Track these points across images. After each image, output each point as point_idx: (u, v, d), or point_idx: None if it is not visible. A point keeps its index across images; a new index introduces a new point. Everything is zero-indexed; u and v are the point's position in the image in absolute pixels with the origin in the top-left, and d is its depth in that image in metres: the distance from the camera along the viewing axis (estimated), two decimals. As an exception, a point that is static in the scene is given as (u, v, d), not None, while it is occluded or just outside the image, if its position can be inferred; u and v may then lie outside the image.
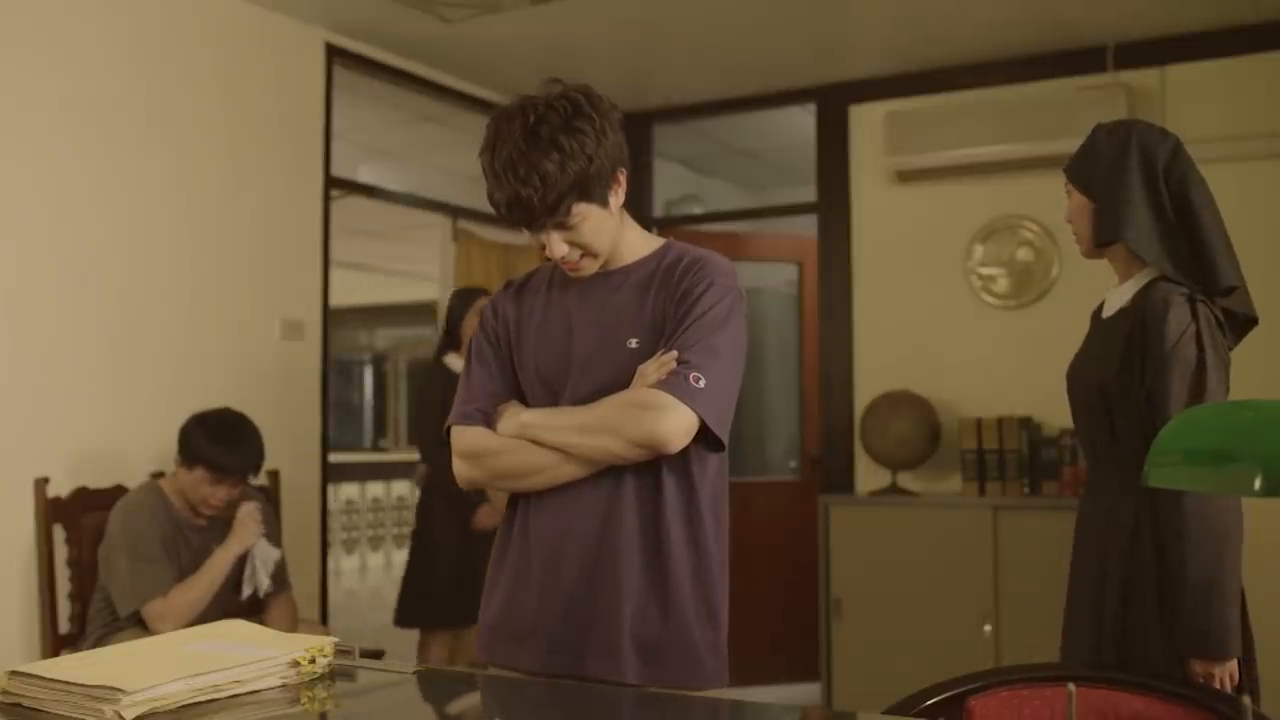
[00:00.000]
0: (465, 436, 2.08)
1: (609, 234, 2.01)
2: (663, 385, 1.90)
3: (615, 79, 5.25)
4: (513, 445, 2.02)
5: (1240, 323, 2.58)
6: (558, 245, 1.97)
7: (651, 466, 1.97)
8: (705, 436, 1.93)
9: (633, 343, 2.01)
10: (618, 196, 2.00)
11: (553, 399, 2.05)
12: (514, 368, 2.13)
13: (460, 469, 2.10)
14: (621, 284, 2.06)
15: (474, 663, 2.16)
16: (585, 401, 2.00)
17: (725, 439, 1.96)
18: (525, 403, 2.10)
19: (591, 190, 1.93)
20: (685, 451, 1.94)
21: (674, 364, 1.92)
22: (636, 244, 2.09)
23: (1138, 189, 2.43)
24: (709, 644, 2.01)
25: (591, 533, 1.99)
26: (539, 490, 2.03)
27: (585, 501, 2.00)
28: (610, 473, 1.98)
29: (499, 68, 5.11)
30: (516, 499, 2.11)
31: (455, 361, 4.58)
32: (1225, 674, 2.22)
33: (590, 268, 2.04)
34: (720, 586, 2.05)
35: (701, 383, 1.90)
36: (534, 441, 2.00)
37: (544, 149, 1.88)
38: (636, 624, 1.96)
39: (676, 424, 1.88)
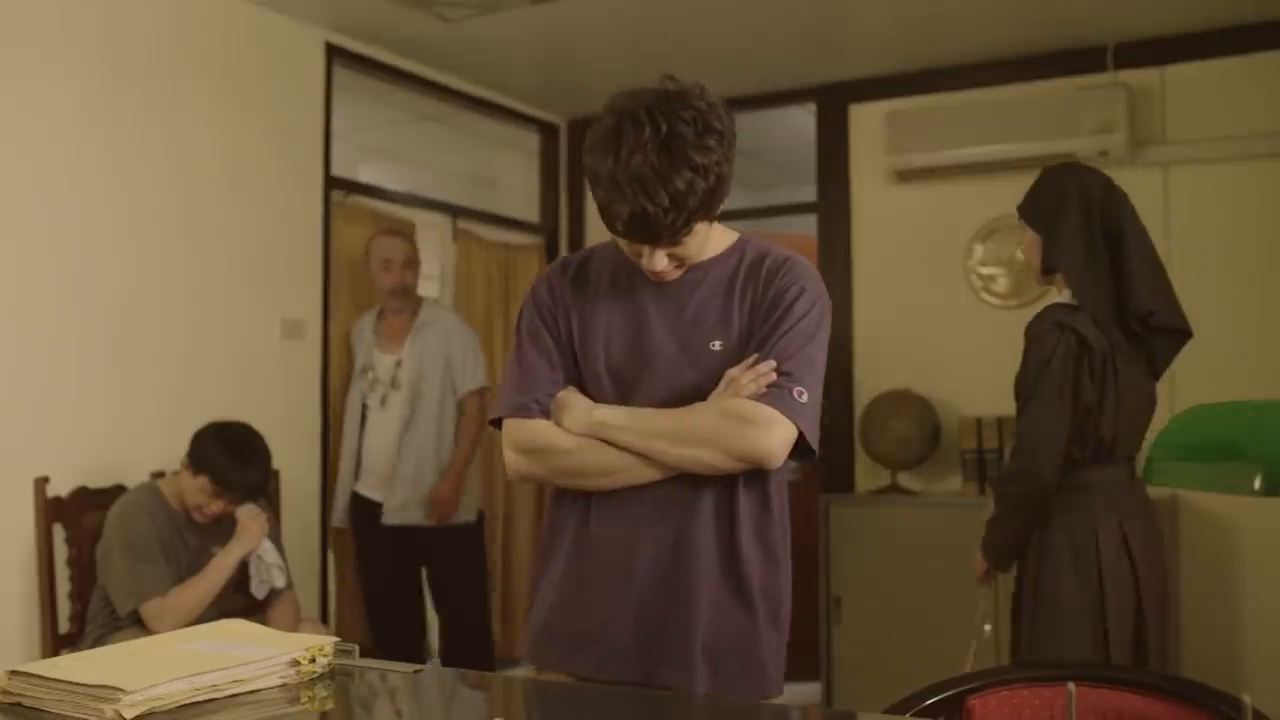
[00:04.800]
0: (526, 430, 1.98)
1: (703, 242, 1.94)
2: (766, 399, 1.86)
3: (615, 78, 5.18)
4: (586, 445, 1.93)
5: (1175, 337, 2.98)
6: (661, 260, 1.89)
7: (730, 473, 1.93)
8: (798, 448, 1.90)
9: (716, 345, 1.95)
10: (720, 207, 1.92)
11: (623, 397, 1.97)
12: (573, 355, 2.04)
13: (517, 463, 2.00)
14: (700, 281, 1.99)
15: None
16: (663, 404, 1.94)
17: (817, 451, 1.93)
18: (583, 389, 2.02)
19: (713, 207, 1.85)
20: None
21: (773, 375, 1.87)
22: (715, 240, 2.01)
23: (1074, 225, 2.88)
24: (773, 650, 2.00)
25: (666, 536, 1.94)
26: (604, 490, 1.97)
27: (659, 504, 1.94)
28: (687, 476, 1.93)
29: (499, 67, 5.11)
30: (569, 494, 2.03)
31: None
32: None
33: (677, 275, 1.96)
34: (787, 592, 2.04)
35: (804, 397, 1.88)
36: (608, 442, 1.92)
37: (678, 166, 1.77)
38: (710, 633, 1.93)
39: (781, 439, 1.86)
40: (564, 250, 5.97)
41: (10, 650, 3.46)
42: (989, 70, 5.00)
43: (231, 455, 3.38)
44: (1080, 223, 2.88)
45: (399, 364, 4.51)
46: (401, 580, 4.60)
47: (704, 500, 1.94)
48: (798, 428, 1.86)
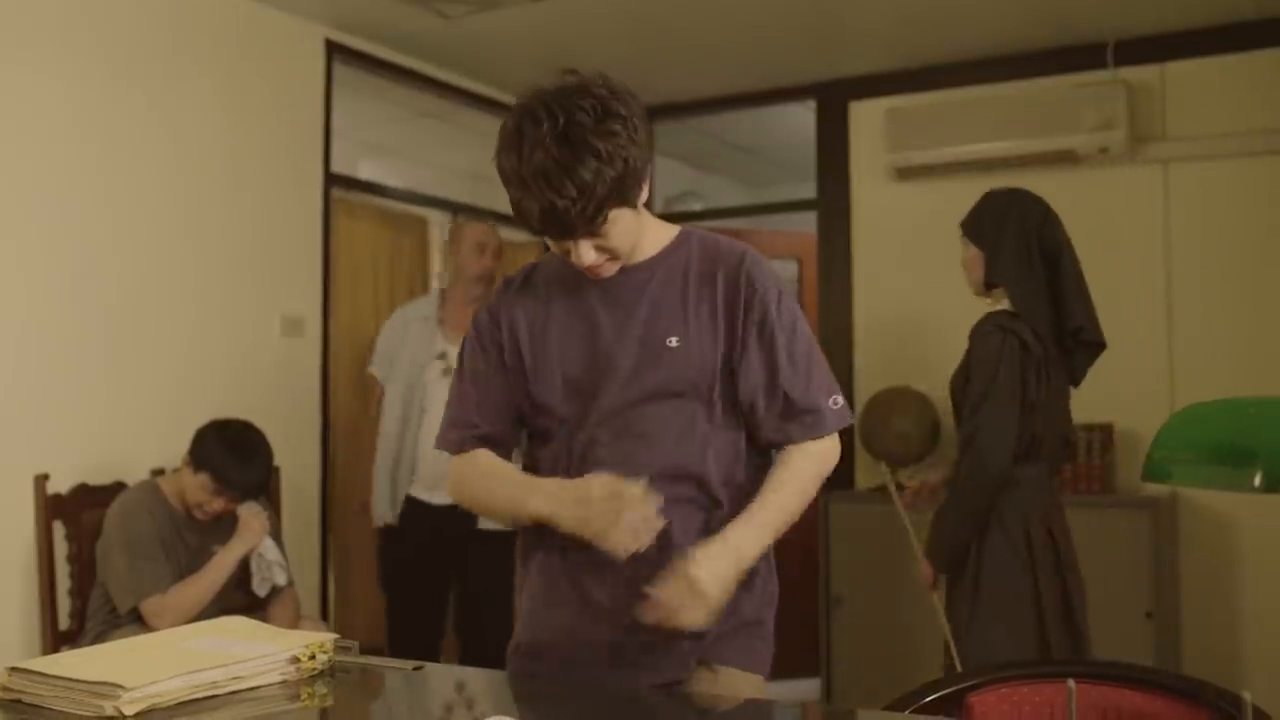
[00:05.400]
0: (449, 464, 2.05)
1: (634, 233, 1.91)
2: (820, 427, 1.96)
3: (614, 74, 5.21)
4: (471, 481, 2.04)
5: (1094, 350, 3.26)
6: (587, 253, 1.86)
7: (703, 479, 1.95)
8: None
9: (672, 341, 1.93)
10: (643, 194, 1.89)
11: (583, 407, 1.95)
12: (523, 374, 2.01)
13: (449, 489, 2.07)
14: (648, 280, 1.97)
15: None
16: (631, 408, 1.93)
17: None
18: (540, 410, 2.00)
19: (626, 194, 1.81)
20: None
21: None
22: (656, 236, 2.00)
23: (1014, 245, 3.17)
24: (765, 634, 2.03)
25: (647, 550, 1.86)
26: None
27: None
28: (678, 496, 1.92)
29: (498, 64, 5.11)
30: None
31: None
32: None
33: (613, 269, 1.93)
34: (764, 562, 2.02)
35: (839, 401, 1.99)
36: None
37: (579, 155, 1.74)
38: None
39: (838, 452, 2.02)
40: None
41: (10, 647, 3.46)
42: (989, 67, 5.00)
43: (232, 453, 3.38)
44: (1020, 243, 3.17)
45: None
46: (434, 590, 4.36)
47: (688, 513, 1.95)
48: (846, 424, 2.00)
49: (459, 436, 2.04)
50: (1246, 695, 1.38)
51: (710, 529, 1.92)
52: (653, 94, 5.62)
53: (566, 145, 1.74)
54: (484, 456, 2.03)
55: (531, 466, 2.05)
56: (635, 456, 1.91)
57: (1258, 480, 1.59)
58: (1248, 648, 4.47)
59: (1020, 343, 3.08)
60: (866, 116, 5.30)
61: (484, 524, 4.15)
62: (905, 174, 5.13)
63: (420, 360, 4.26)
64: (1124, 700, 1.88)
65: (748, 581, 1.94)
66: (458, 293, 4.40)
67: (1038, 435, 3.13)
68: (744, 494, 1.96)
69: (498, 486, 2.00)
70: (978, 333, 3.17)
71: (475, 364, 2.05)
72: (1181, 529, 4.56)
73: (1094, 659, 2.79)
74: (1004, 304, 3.21)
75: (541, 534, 1.97)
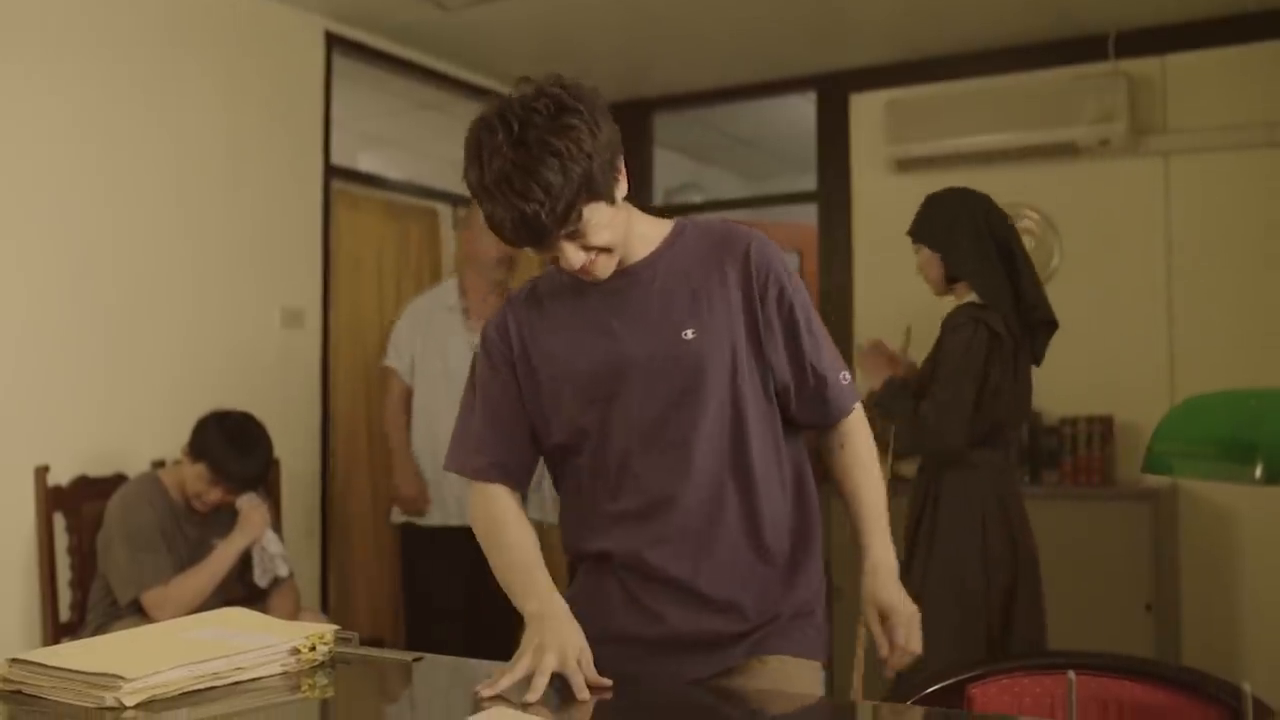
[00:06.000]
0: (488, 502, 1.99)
1: (620, 229, 1.85)
2: (847, 397, 1.99)
3: (614, 67, 5.23)
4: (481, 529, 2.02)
5: (1049, 329, 3.41)
6: (574, 255, 1.81)
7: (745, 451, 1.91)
8: None
9: (688, 334, 1.88)
10: (621, 187, 1.84)
11: (604, 415, 1.90)
12: (534, 390, 1.97)
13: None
14: (653, 276, 1.93)
15: None
16: (659, 415, 1.88)
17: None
18: (559, 424, 1.95)
19: (597, 188, 1.75)
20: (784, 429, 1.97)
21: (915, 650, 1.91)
22: (649, 232, 1.97)
23: (970, 240, 3.32)
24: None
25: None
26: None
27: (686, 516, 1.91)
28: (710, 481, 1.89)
29: (498, 55, 5.10)
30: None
31: None
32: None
33: (607, 268, 1.87)
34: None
35: (846, 376, 2.00)
36: None
37: (538, 156, 1.69)
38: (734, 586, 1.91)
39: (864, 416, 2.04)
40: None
41: (11, 639, 3.47)
42: (990, 59, 4.99)
43: (231, 444, 3.38)
44: (974, 237, 3.32)
45: None
46: (458, 589, 4.27)
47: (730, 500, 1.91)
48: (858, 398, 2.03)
49: (473, 464, 2.00)
50: (1246, 687, 1.38)
51: (757, 524, 1.90)
52: (652, 86, 5.62)
53: (524, 148, 1.70)
54: (498, 506, 1.98)
55: (572, 480, 1.99)
56: (672, 466, 1.88)
57: (1258, 472, 1.59)
58: (1248, 639, 4.47)
59: (991, 332, 3.23)
60: (867, 108, 5.29)
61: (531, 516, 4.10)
62: (906, 166, 5.12)
63: (460, 352, 4.11)
64: (1124, 692, 1.88)
65: (793, 574, 1.94)
66: (477, 281, 4.31)
67: (1000, 421, 3.27)
68: (786, 479, 1.95)
69: (504, 568, 1.94)
70: (949, 325, 3.34)
71: (487, 383, 2.01)
72: (1181, 521, 4.56)
73: (1094, 651, 2.79)
74: (970, 297, 3.35)
75: (591, 541, 1.95)
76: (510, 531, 1.95)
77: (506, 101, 1.75)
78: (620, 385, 1.89)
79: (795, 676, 1.90)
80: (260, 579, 3.50)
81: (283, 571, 3.53)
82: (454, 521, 4.17)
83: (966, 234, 3.33)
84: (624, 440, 1.89)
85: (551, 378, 1.95)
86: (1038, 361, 3.43)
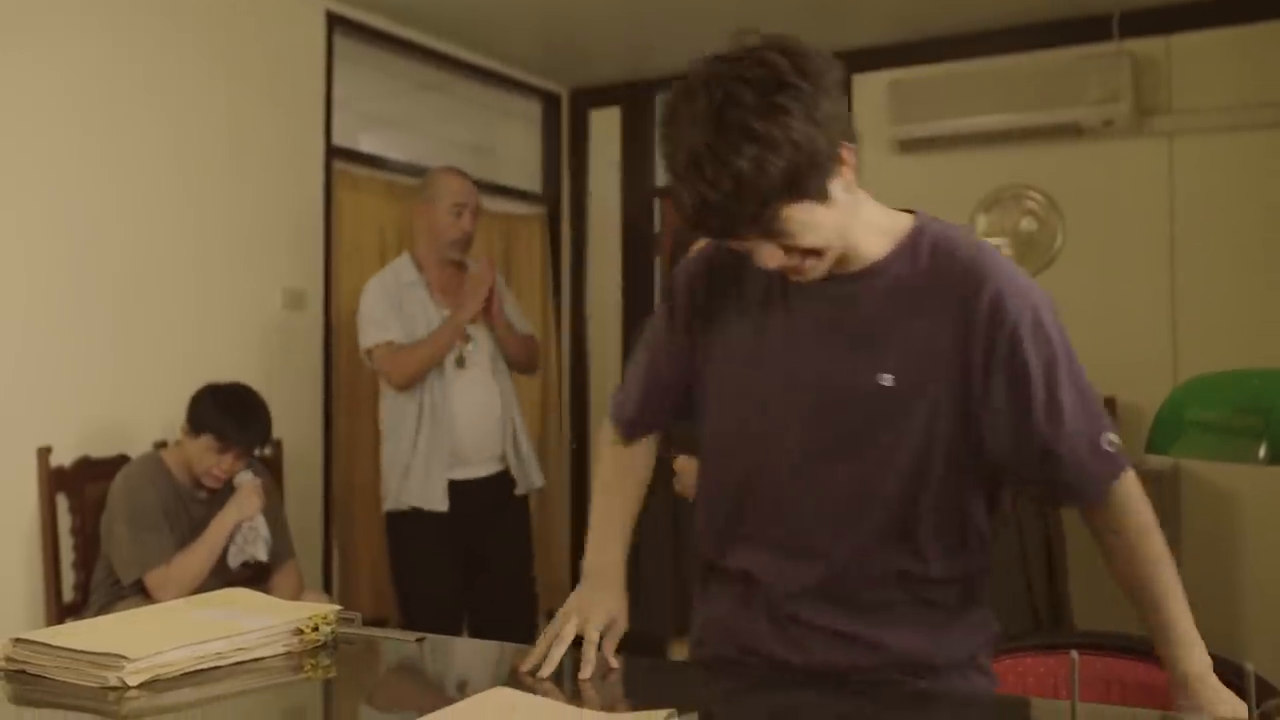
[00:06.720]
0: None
1: (835, 228, 1.56)
2: (1091, 487, 1.62)
3: (616, 47, 5.21)
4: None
5: None
6: (769, 255, 1.54)
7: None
8: None
9: (886, 379, 1.59)
10: (844, 178, 1.55)
11: (761, 433, 1.67)
12: (701, 362, 1.75)
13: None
14: (867, 292, 1.63)
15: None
16: (827, 456, 1.63)
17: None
18: (707, 408, 1.75)
19: (804, 186, 1.47)
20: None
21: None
22: (875, 228, 1.66)
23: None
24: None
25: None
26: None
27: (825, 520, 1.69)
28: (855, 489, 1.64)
29: (501, 35, 5.08)
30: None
31: None
32: None
33: (816, 272, 1.58)
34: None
35: (1113, 442, 1.63)
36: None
37: (734, 141, 1.42)
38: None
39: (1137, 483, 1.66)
40: (565, 220, 5.96)
41: (14, 619, 3.47)
42: (993, 39, 4.97)
43: (229, 412, 3.40)
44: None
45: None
46: (457, 571, 4.10)
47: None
48: (1128, 465, 1.65)
49: (618, 416, 1.90)
50: (1249, 666, 1.38)
51: (917, 584, 1.66)
52: (654, 67, 5.59)
53: (721, 129, 1.43)
54: (608, 466, 1.91)
55: (718, 477, 1.77)
56: (833, 519, 1.65)
57: (1262, 452, 1.59)
58: (1249, 620, 4.48)
59: None
60: (870, 89, 5.27)
61: (522, 488, 4.11)
62: (908, 147, 5.10)
63: (431, 327, 3.97)
64: (1127, 671, 1.88)
65: (951, 624, 1.69)
66: (430, 256, 4.09)
67: None
68: (968, 544, 1.68)
69: (596, 512, 1.89)
70: None
71: (657, 332, 1.84)
72: (1183, 501, 4.56)
73: (1097, 630, 2.79)
74: None
75: (731, 559, 1.76)
76: (606, 493, 1.91)
77: (715, 62, 1.49)
78: (789, 413, 1.66)
79: None
80: (233, 559, 3.44)
81: (261, 555, 3.50)
82: (433, 505, 3.95)
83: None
84: (780, 472, 1.68)
85: (715, 361, 1.74)
86: None
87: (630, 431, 1.90)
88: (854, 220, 1.59)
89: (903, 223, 1.68)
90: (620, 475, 1.92)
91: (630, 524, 1.89)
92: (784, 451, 1.66)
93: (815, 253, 1.56)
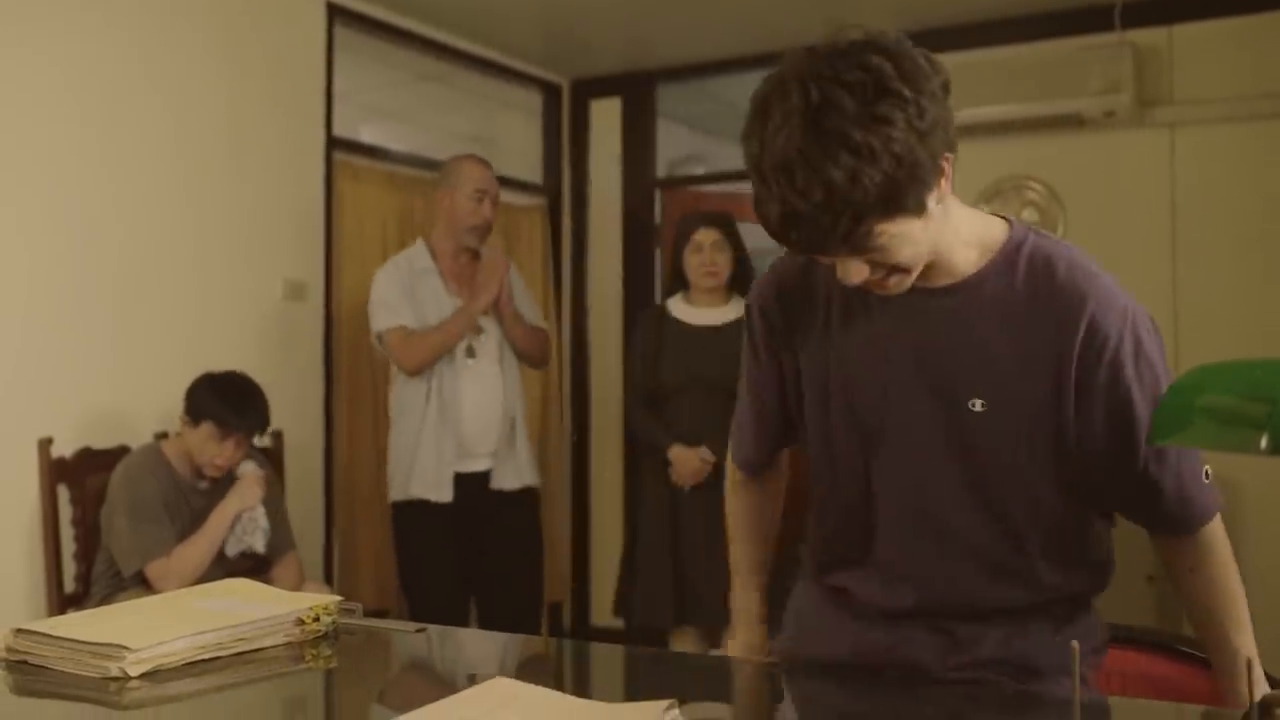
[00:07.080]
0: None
1: (928, 243, 1.46)
2: (1184, 520, 1.60)
3: (618, 37, 5.20)
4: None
5: None
6: (854, 271, 1.44)
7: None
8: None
9: (977, 405, 1.52)
10: (941, 189, 1.43)
11: (867, 450, 1.61)
12: (792, 377, 1.69)
13: None
14: (960, 307, 1.54)
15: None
16: (916, 483, 1.58)
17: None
18: (813, 434, 1.68)
19: (901, 202, 1.37)
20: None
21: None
22: (969, 239, 1.54)
23: None
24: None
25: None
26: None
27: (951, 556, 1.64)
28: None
29: (501, 26, 5.07)
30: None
31: (679, 307, 4.06)
32: None
33: (903, 285, 1.49)
34: None
35: (1209, 472, 1.59)
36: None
37: (830, 151, 1.32)
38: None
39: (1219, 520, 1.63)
40: (567, 212, 5.95)
41: (16, 610, 3.48)
42: (994, 29, 4.95)
43: (227, 398, 3.42)
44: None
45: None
46: (461, 563, 4.08)
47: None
48: (1218, 500, 1.63)
49: (735, 455, 1.89)
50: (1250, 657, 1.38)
51: (1014, 612, 1.62)
52: (655, 57, 5.59)
53: (817, 134, 1.33)
54: (734, 502, 1.92)
55: (818, 490, 1.74)
56: (925, 548, 1.61)
57: (1264, 443, 1.58)
58: (1251, 611, 4.47)
59: None
60: (871, 79, 5.26)
61: (506, 485, 4.08)
62: (910, 137, 5.09)
63: (443, 315, 3.95)
64: (1128, 662, 1.88)
65: (1057, 631, 1.65)
66: (446, 244, 4.08)
67: None
68: (1084, 580, 1.68)
69: (732, 559, 1.91)
70: None
71: (749, 364, 1.76)
72: (1184, 493, 4.55)
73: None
74: None
75: (828, 575, 1.75)
76: (737, 542, 1.92)
77: (815, 58, 1.39)
78: (885, 429, 1.59)
79: None
80: (230, 548, 3.45)
81: (259, 547, 3.50)
82: (434, 496, 3.94)
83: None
84: (869, 496, 1.64)
85: (803, 382, 1.67)
86: None
87: (752, 470, 1.89)
88: (946, 225, 1.49)
89: (996, 232, 1.58)
90: (750, 524, 1.92)
91: (766, 567, 1.91)
92: (878, 481, 1.61)
93: (903, 269, 1.46)
